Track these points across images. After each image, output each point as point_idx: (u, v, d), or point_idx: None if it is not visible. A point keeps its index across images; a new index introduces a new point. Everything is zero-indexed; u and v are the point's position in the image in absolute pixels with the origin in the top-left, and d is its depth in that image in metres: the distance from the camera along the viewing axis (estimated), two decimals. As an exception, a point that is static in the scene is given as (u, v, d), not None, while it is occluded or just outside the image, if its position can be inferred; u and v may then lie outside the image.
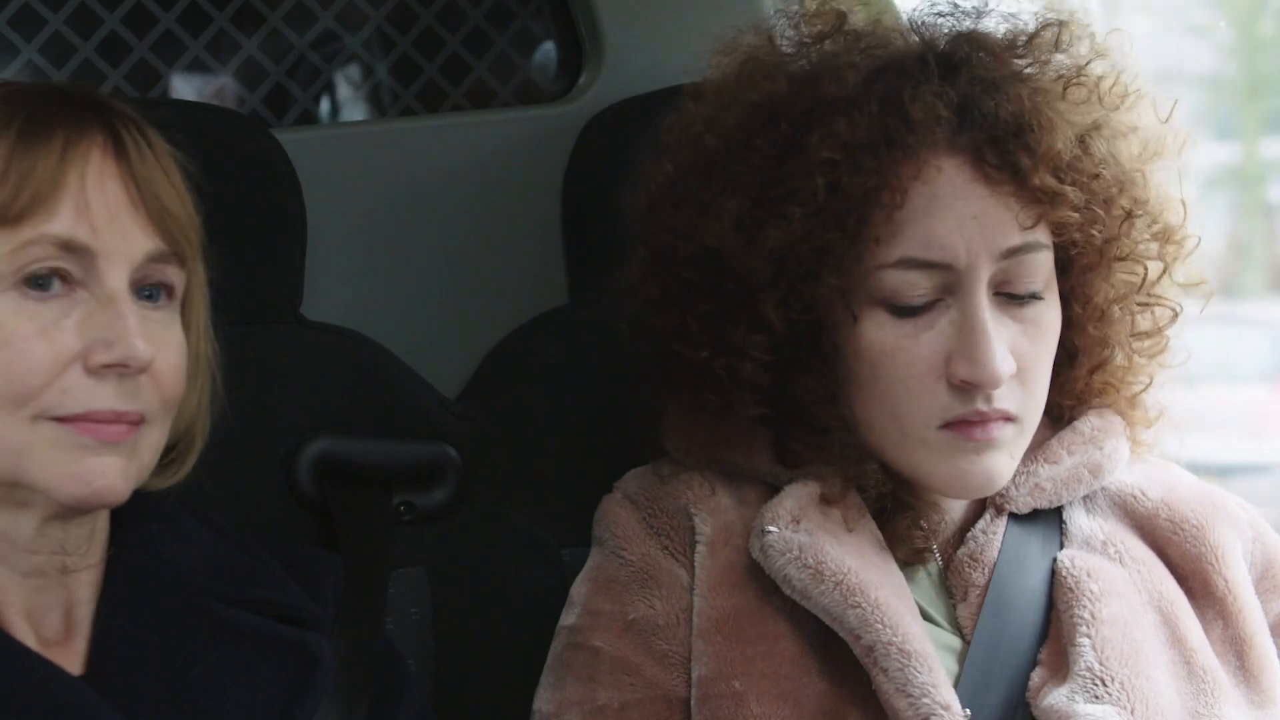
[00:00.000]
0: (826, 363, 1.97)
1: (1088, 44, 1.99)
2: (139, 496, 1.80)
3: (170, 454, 1.81)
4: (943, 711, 1.83)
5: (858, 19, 2.01)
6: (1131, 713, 1.88)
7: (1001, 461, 1.94)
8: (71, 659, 1.75)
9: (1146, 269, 2.01)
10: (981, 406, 1.90)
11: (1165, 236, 2.01)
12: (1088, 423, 2.06)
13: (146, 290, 1.73)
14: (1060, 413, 2.07)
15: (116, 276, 1.70)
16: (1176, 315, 2.05)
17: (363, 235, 2.52)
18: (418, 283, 2.55)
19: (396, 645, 2.02)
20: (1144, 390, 2.07)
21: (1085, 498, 2.06)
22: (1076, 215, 1.92)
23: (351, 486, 2.15)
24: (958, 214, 1.89)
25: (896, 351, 1.92)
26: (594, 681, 1.95)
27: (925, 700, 1.84)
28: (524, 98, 2.79)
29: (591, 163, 2.43)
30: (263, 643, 1.83)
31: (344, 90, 2.86)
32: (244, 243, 2.17)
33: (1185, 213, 2.02)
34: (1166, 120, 2.02)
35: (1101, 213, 1.94)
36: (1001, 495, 2.01)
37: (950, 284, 1.90)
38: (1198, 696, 1.94)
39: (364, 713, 1.90)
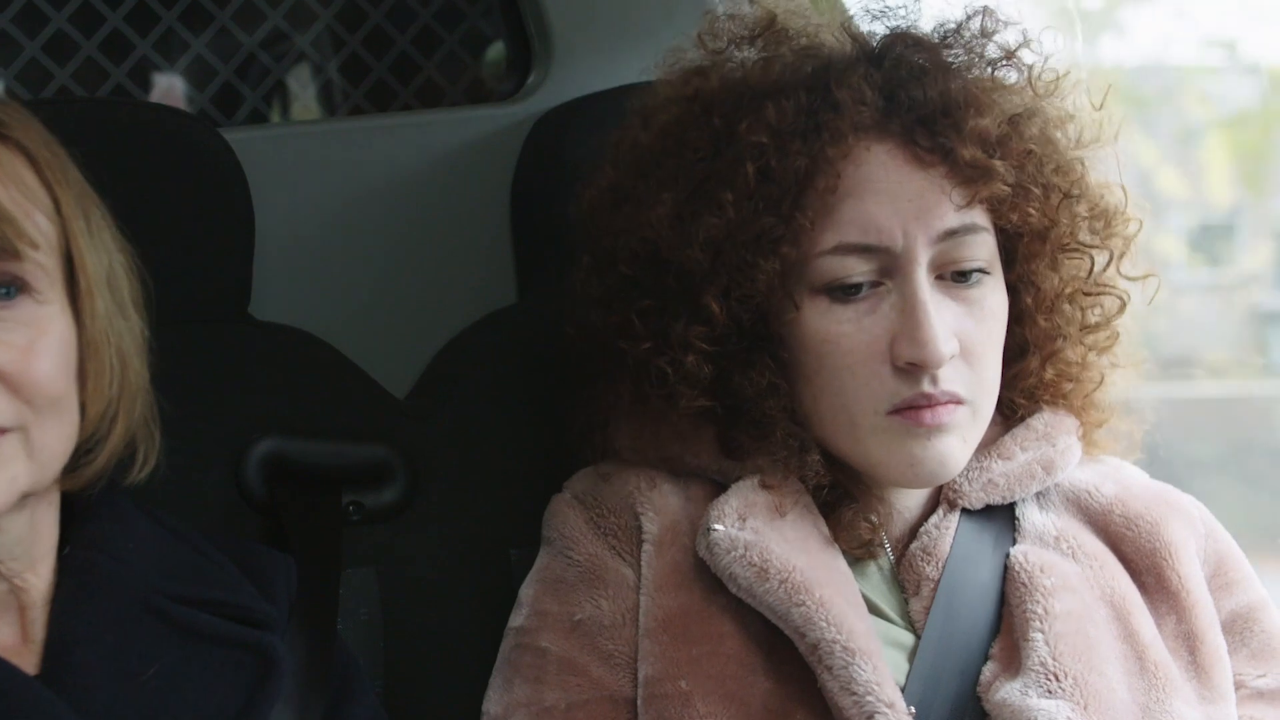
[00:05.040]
0: (772, 355, 1.98)
1: (1018, 34, 2.02)
2: (92, 496, 1.79)
3: (89, 449, 1.77)
4: (886, 710, 1.83)
5: (794, 21, 2.04)
6: (1084, 708, 1.89)
7: (954, 446, 1.94)
8: (27, 660, 1.74)
9: (1093, 260, 2.03)
10: (928, 389, 1.91)
11: (1106, 222, 2.03)
12: (1041, 419, 2.07)
13: (3, 289, 1.68)
14: (1014, 409, 2.08)
15: None
16: (1124, 305, 2.06)
17: (312, 234, 2.52)
18: (367, 282, 2.55)
19: (348, 646, 2.01)
20: (1097, 388, 2.08)
21: (1038, 494, 2.07)
22: (1008, 190, 1.94)
23: (300, 486, 2.14)
24: (892, 197, 1.91)
25: (840, 338, 1.93)
26: (541, 682, 1.95)
27: (870, 698, 1.84)
28: (473, 97, 2.80)
29: (541, 162, 2.42)
30: (218, 644, 1.82)
31: (293, 89, 2.86)
32: (192, 242, 2.17)
33: (1126, 198, 2.04)
34: (1100, 107, 2.04)
35: (1037, 191, 1.96)
36: (954, 490, 2.02)
37: (889, 268, 1.92)
38: (1149, 692, 1.94)
39: (320, 714, 1.89)
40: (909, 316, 1.91)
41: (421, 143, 2.59)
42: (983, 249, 1.95)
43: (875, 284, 1.93)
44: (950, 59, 1.99)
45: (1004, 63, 2.00)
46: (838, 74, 1.96)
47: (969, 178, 1.93)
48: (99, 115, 2.23)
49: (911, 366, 1.91)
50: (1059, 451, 2.05)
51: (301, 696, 1.88)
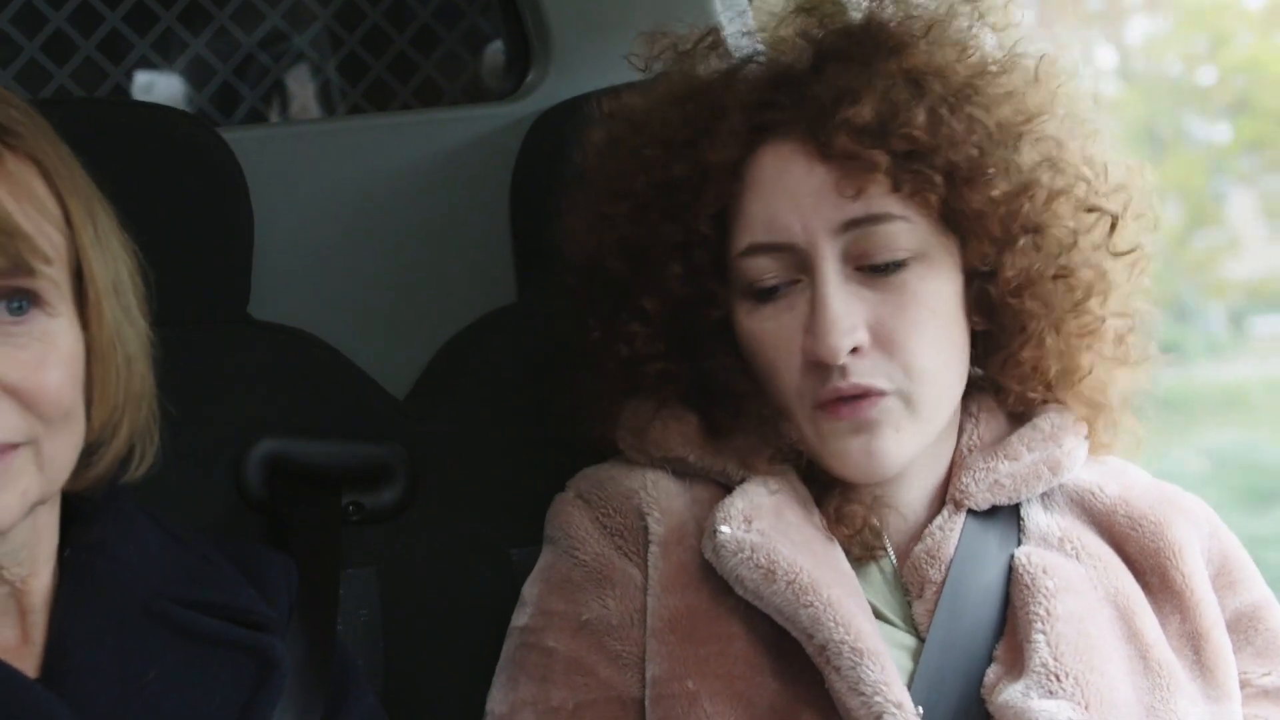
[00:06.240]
0: (723, 340, 2.02)
1: (928, 18, 2.02)
2: (93, 498, 1.79)
3: (92, 453, 1.77)
4: (895, 710, 1.83)
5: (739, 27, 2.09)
6: (1086, 707, 1.89)
7: (884, 440, 1.94)
8: (27, 662, 1.74)
9: (1059, 240, 2.00)
10: (837, 382, 1.92)
11: (1049, 200, 1.99)
12: (1047, 420, 2.06)
13: (15, 302, 1.68)
14: (1006, 394, 2.07)
15: None
16: (1092, 287, 2.03)
17: (311, 234, 2.52)
18: (366, 282, 2.54)
19: (346, 646, 2.01)
20: (1084, 377, 2.06)
21: (1043, 495, 2.07)
22: (886, 179, 1.92)
23: (300, 487, 2.14)
24: (793, 193, 1.94)
25: (763, 335, 1.96)
26: (548, 682, 1.95)
27: (878, 699, 1.84)
28: (472, 96, 2.79)
29: (540, 161, 2.42)
30: (218, 646, 1.82)
31: (292, 88, 2.86)
32: (191, 242, 2.17)
33: (1086, 179, 2.01)
34: (1034, 79, 2.02)
35: (937, 177, 1.94)
36: (960, 491, 2.02)
37: (801, 263, 1.94)
38: (1154, 691, 1.94)
39: (319, 715, 1.89)
40: (812, 312, 1.92)
41: (420, 142, 2.59)
42: (900, 238, 1.94)
43: (792, 281, 1.95)
44: (852, 51, 1.98)
45: (896, 46, 1.98)
46: (725, 82, 2.00)
47: (852, 169, 1.93)
48: (98, 115, 2.23)
49: (816, 361, 1.92)
50: (1065, 452, 2.05)
51: (301, 697, 1.88)
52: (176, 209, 2.16)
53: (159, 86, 2.74)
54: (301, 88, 2.85)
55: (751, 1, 2.55)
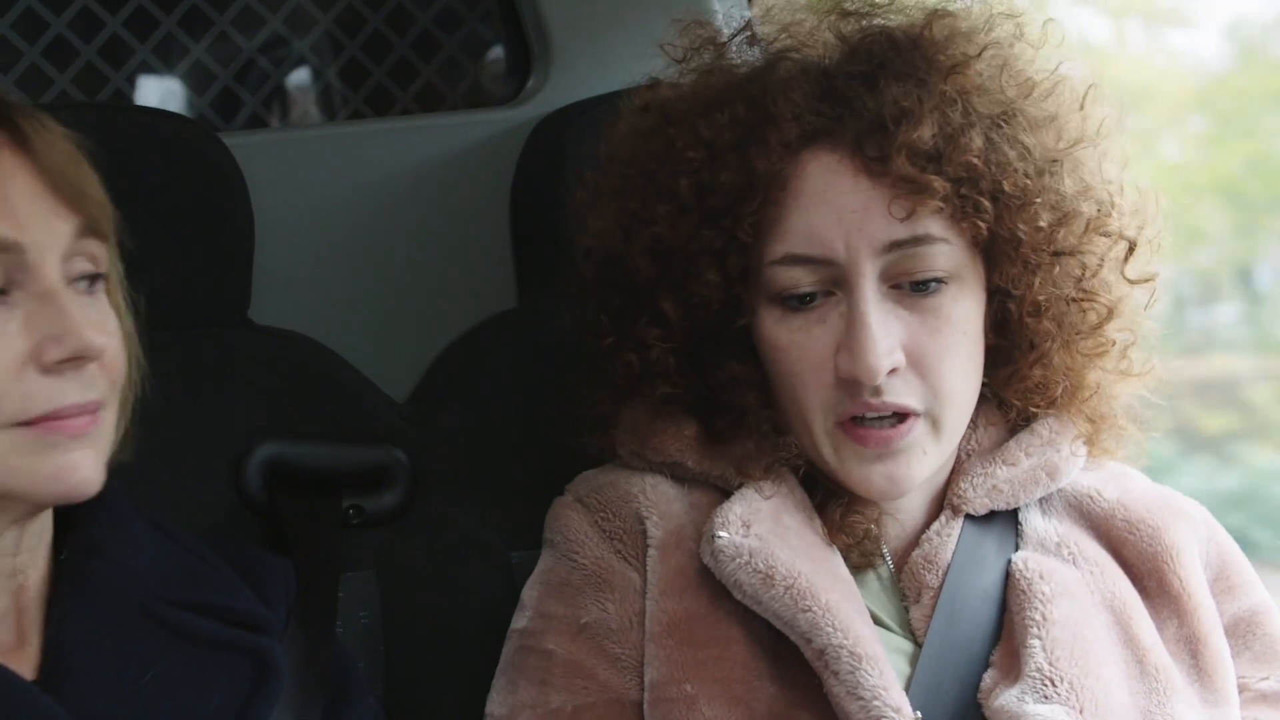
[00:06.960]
0: (738, 350, 2.00)
1: (982, 37, 1.99)
2: (90, 501, 1.80)
3: None
4: (894, 714, 1.84)
5: (774, 23, 2.04)
6: (1080, 712, 1.89)
7: (909, 467, 1.94)
8: (24, 664, 1.74)
9: (1084, 264, 2.00)
10: (870, 399, 1.91)
11: (1086, 229, 1.98)
12: (1045, 425, 2.06)
13: (83, 280, 1.72)
14: (1009, 407, 2.07)
15: (50, 268, 1.69)
16: (1111, 313, 2.02)
17: (311, 238, 2.52)
18: (366, 286, 2.55)
19: (346, 649, 2.02)
20: (1091, 396, 2.06)
21: (1041, 499, 2.06)
22: (942, 205, 1.91)
23: (300, 490, 2.14)
24: (837, 208, 1.91)
25: (790, 346, 1.94)
26: (547, 685, 1.95)
27: (876, 703, 1.84)
28: (473, 101, 2.80)
29: (540, 166, 2.43)
30: (216, 648, 1.82)
31: (293, 94, 2.86)
32: (192, 246, 2.17)
33: (1112, 202, 2.00)
34: (1081, 107, 2.01)
35: (985, 203, 1.92)
36: (958, 496, 2.02)
37: (838, 278, 1.92)
38: (1150, 695, 1.94)
39: (317, 717, 1.89)
40: (849, 330, 1.90)
41: (421, 147, 2.59)
42: (939, 259, 1.92)
43: (826, 293, 1.93)
44: (906, 66, 1.95)
45: (954, 70, 1.96)
46: (778, 85, 1.96)
47: (906, 191, 1.90)
48: (99, 120, 2.22)
49: (850, 379, 1.91)
50: (1063, 457, 2.05)
51: (299, 700, 1.89)
52: (177, 214, 2.17)
53: (160, 92, 2.74)
54: (302, 93, 2.85)
55: (751, 4, 2.55)
